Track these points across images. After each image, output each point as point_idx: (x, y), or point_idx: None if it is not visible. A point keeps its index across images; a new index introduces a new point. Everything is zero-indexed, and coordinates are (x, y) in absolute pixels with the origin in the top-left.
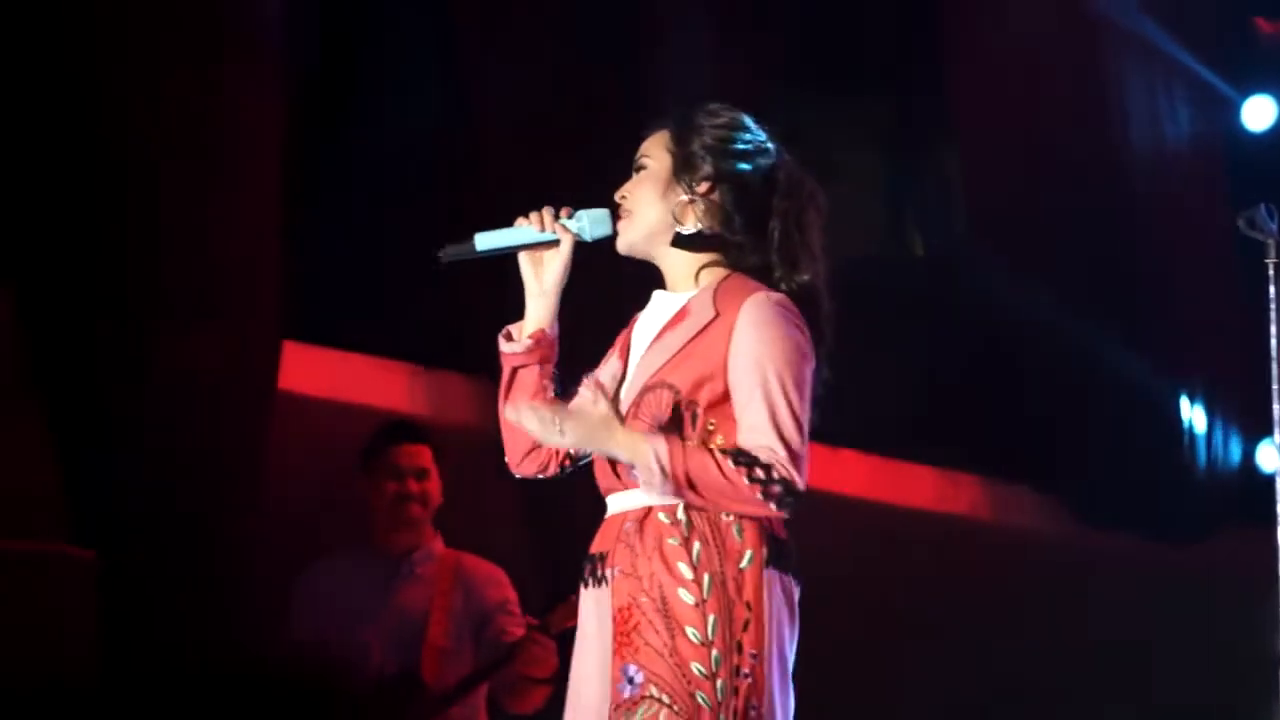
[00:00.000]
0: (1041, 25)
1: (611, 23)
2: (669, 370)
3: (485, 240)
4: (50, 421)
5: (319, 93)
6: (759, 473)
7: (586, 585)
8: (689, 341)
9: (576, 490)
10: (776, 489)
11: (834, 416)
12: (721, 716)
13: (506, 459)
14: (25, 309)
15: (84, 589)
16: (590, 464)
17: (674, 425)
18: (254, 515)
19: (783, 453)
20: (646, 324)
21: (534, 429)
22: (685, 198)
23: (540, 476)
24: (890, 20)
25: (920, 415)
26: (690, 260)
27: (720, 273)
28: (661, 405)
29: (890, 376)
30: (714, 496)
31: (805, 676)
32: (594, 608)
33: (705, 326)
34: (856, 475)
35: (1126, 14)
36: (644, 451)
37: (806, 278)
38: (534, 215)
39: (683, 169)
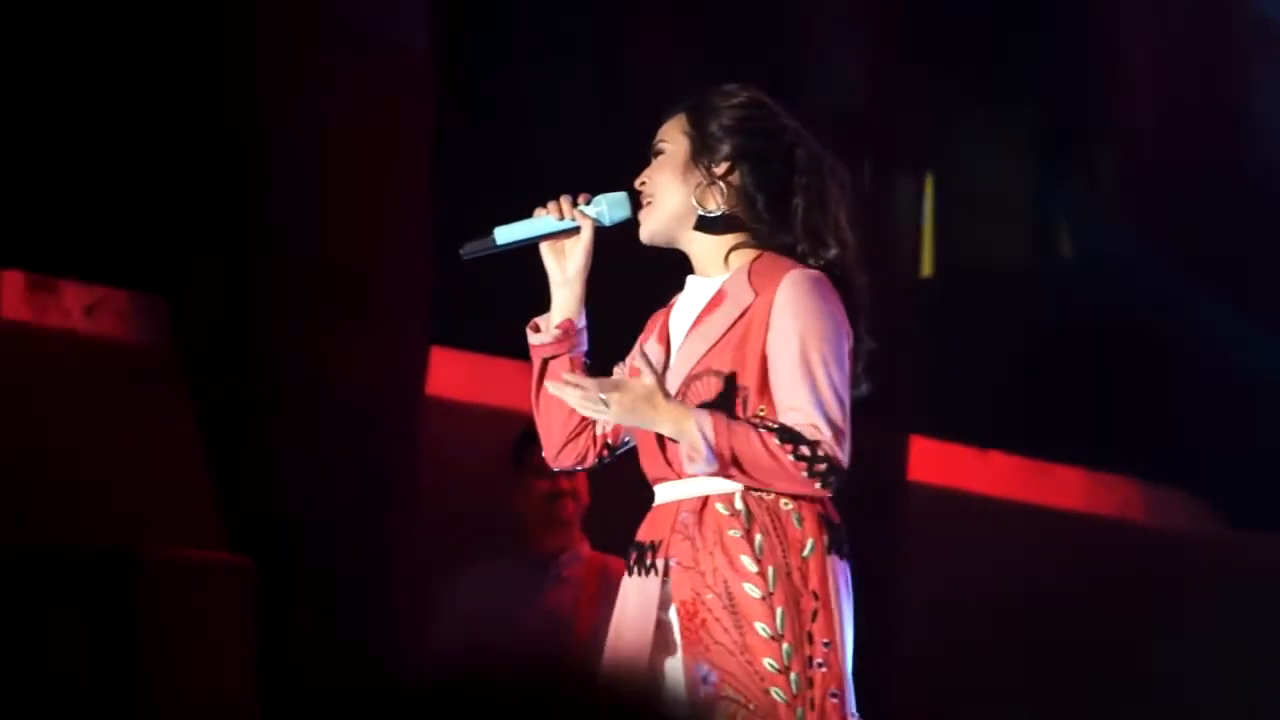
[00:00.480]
0: (1195, 25)
1: (759, 26)
2: (713, 357)
3: (505, 233)
4: (204, 430)
5: (466, 92)
6: (804, 450)
7: (632, 573)
8: (731, 326)
9: None
10: (821, 467)
11: (982, 417)
12: (799, 710)
13: (544, 452)
14: (178, 320)
15: (242, 596)
16: (632, 453)
17: (724, 412)
18: (406, 520)
19: (827, 432)
20: (684, 310)
21: (575, 401)
22: (705, 180)
23: (579, 467)
24: (1042, 22)
25: (1070, 416)
26: (718, 243)
27: (750, 253)
28: (710, 392)
29: (1040, 378)
30: (759, 474)
31: (955, 678)
32: (638, 596)
33: (745, 310)
34: (1005, 476)
35: None
36: (689, 426)
37: (834, 253)
38: (552, 204)
39: (701, 151)
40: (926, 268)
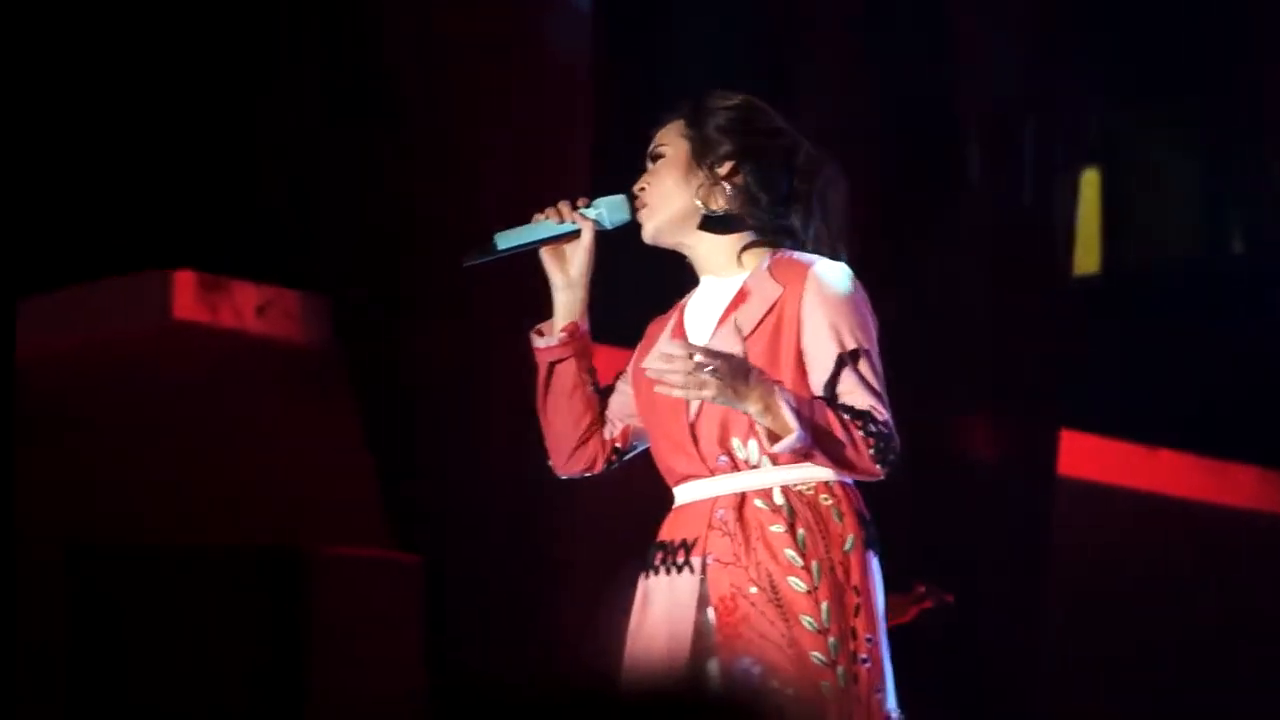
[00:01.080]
0: None
1: (928, 26)
2: (747, 352)
3: (506, 239)
4: (369, 429)
5: (626, 95)
6: (873, 428)
7: (657, 573)
8: (761, 320)
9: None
10: (884, 446)
11: (1152, 416)
12: (845, 705)
13: (551, 460)
14: (341, 320)
15: (410, 594)
16: (639, 459)
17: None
18: (570, 518)
19: (884, 414)
20: (703, 308)
21: (678, 377)
22: (709, 180)
23: (587, 474)
24: (1206, 21)
25: (1242, 413)
26: (728, 243)
27: (764, 251)
28: None
29: (1210, 375)
30: (832, 453)
31: (1128, 678)
32: (668, 595)
33: (774, 303)
34: (1175, 475)
35: None
36: (777, 402)
37: (839, 256)
38: (550, 209)
39: (702, 152)
40: (1094, 263)
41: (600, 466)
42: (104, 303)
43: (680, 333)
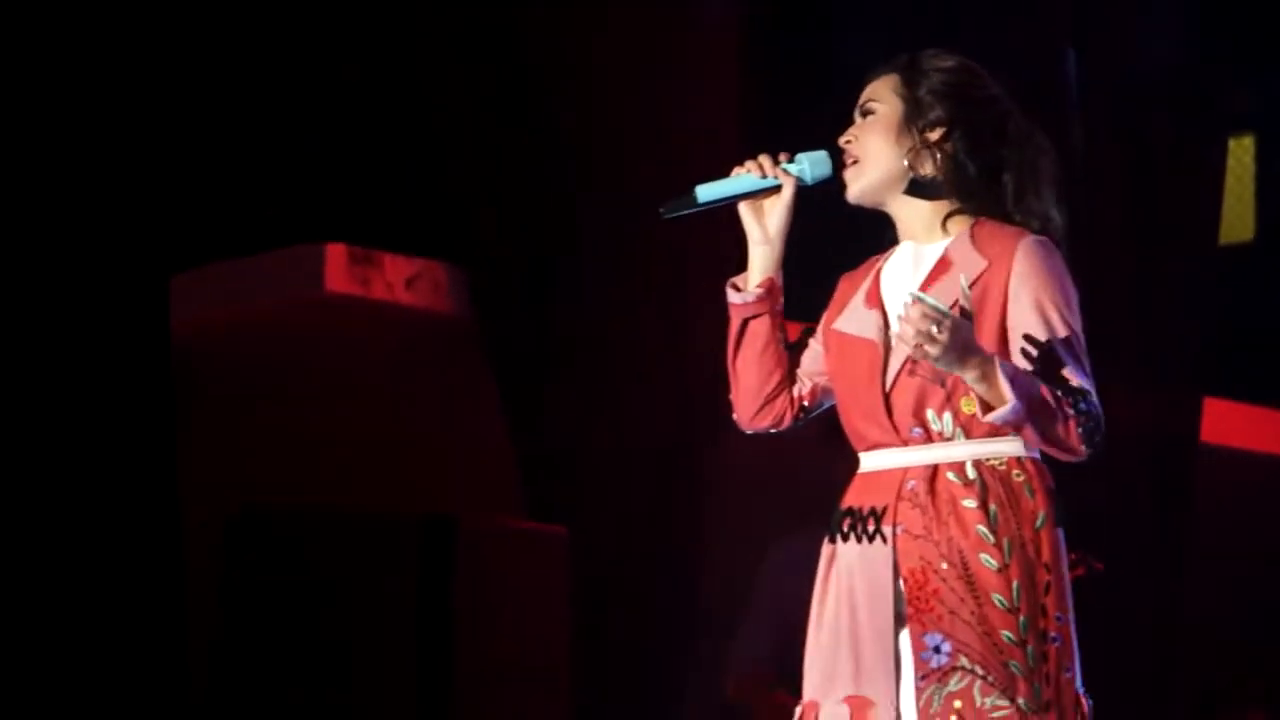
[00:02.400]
0: None
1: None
2: None
3: (707, 191)
4: (505, 401)
5: (775, 67)
6: (1084, 406)
7: (846, 539)
8: (968, 294)
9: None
10: (1092, 425)
11: None
12: (1035, 684)
13: (736, 414)
14: (480, 291)
15: (557, 564)
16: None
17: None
18: (712, 490)
19: (1092, 390)
20: (899, 274)
21: (911, 332)
22: (919, 144)
23: (773, 430)
24: None
25: None
26: (933, 209)
27: (968, 219)
28: None
29: None
30: (1044, 426)
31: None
32: (864, 563)
33: (979, 275)
34: None
35: None
36: (995, 371)
37: (1042, 227)
38: (751, 162)
39: (914, 114)
40: (1248, 230)
41: (787, 423)
42: (258, 276)
43: (876, 295)
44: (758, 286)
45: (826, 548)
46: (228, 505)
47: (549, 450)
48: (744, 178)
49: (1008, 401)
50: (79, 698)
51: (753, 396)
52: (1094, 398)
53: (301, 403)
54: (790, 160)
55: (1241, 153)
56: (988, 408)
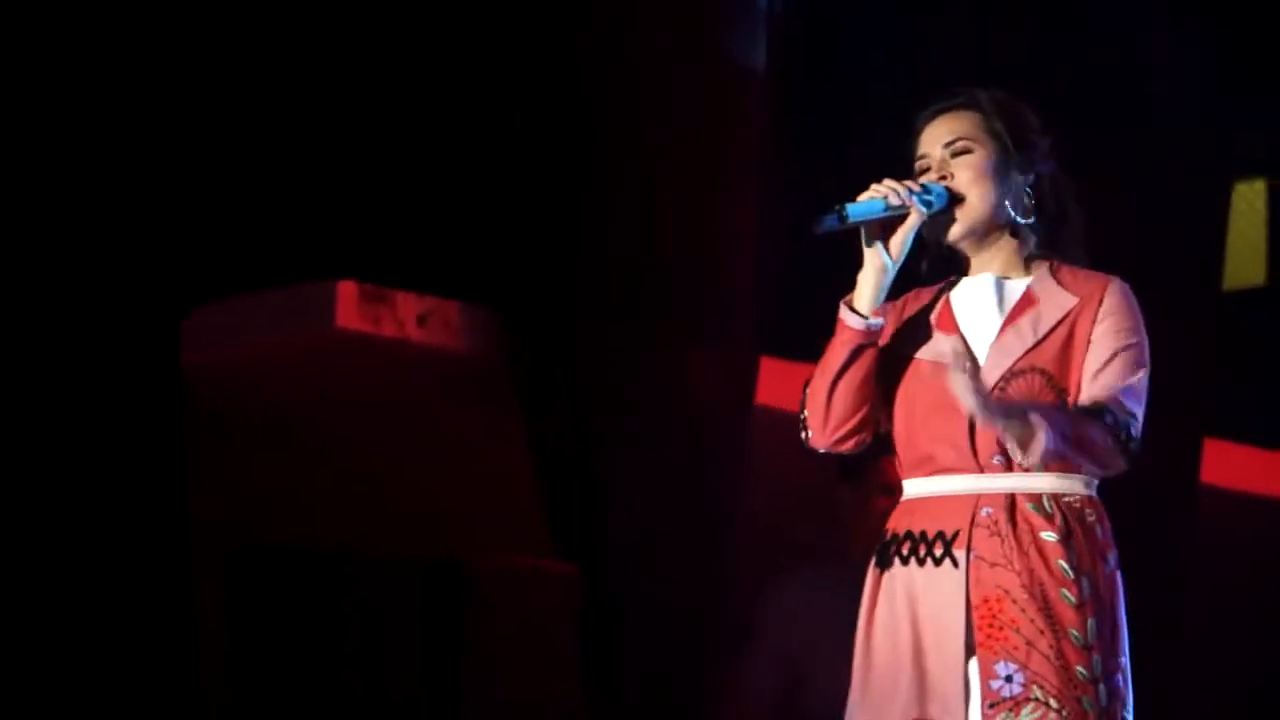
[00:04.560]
0: None
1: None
2: (1037, 355)
3: (855, 210)
4: (531, 437)
5: (798, 112)
6: (1109, 419)
7: (906, 563)
8: (1055, 327)
9: None
10: (1125, 436)
11: None
12: None
13: (814, 436)
14: (506, 327)
15: (567, 603)
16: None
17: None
18: (733, 531)
19: (1134, 405)
20: (978, 306)
21: (957, 360)
22: (1018, 185)
23: (851, 451)
24: None
25: None
26: (1016, 248)
27: (1045, 263)
28: (1034, 389)
29: None
30: (1077, 448)
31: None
32: (933, 588)
33: (1069, 313)
34: None
35: None
36: (1017, 408)
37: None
38: (886, 185)
39: (1009, 156)
40: (1260, 275)
41: (866, 441)
42: (269, 313)
43: (951, 322)
44: (876, 315)
45: (873, 574)
46: (236, 543)
47: (575, 491)
48: (878, 200)
49: (1041, 441)
50: None
51: (842, 421)
52: (1129, 412)
53: (311, 440)
54: (920, 189)
55: (1254, 196)
56: (1022, 446)
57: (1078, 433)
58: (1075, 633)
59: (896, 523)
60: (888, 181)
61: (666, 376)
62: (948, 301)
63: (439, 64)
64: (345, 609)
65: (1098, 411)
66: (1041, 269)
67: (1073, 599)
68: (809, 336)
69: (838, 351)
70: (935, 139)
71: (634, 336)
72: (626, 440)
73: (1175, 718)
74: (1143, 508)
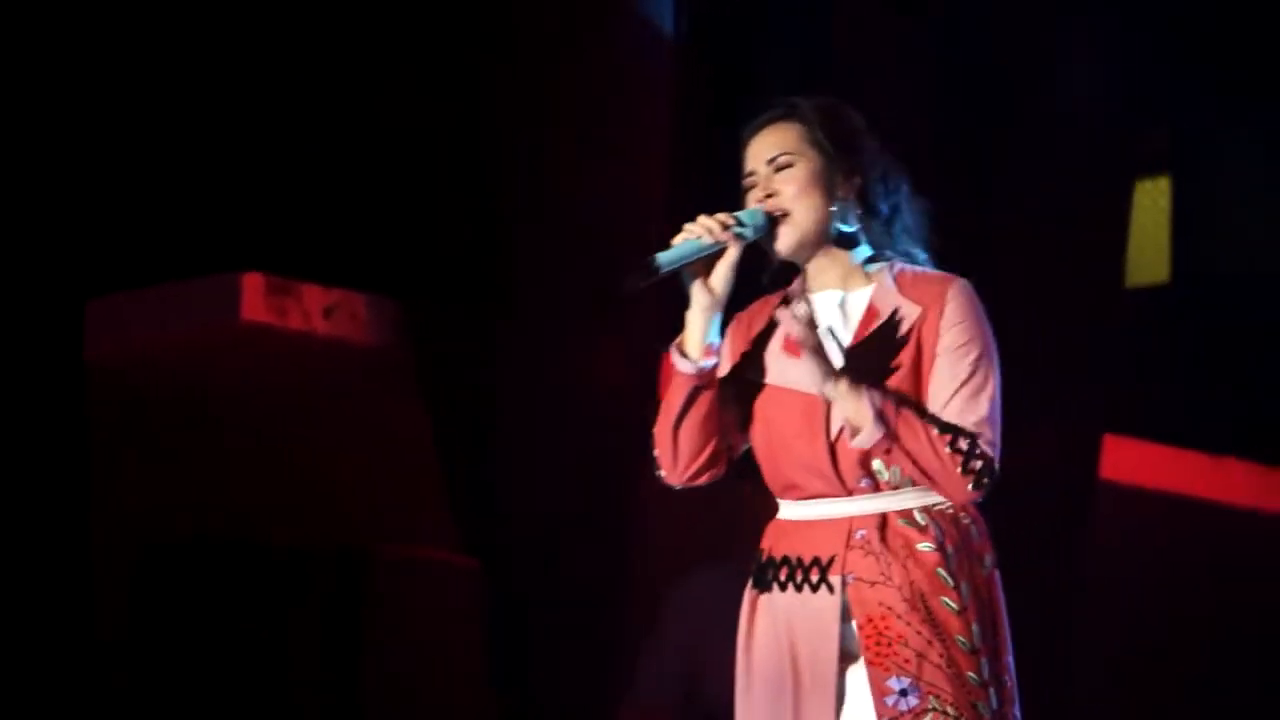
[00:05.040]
0: None
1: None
2: (890, 378)
3: (666, 257)
4: (437, 431)
5: (708, 86)
6: (962, 444)
7: (784, 589)
8: (902, 346)
9: None
10: (977, 464)
11: (1220, 424)
12: None
13: (667, 475)
14: (412, 321)
15: (470, 597)
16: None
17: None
18: (640, 523)
19: (988, 433)
20: (820, 320)
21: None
22: (843, 194)
23: (704, 484)
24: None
25: None
26: (850, 257)
27: (885, 267)
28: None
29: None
30: (916, 457)
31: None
32: (808, 612)
33: (913, 326)
34: (1238, 484)
35: None
36: (861, 398)
37: (936, 260)
38: (699, 224)
39: (833, 165)
40: (1163, 272)
41: (721, 471)
42: (173, 304)
43: (793, 345)
44: (709, 356)
45: (750, 594)
46: (140, 535)
47: (479, 483)
48: (692, 241)
49: (867, 422)
50: None
51: (690, 460)
52: (986, 440)
53: (216, 432)
54: (734, 222)
55: (1157, 194)
56: (854, 431)
57: (915, 439)
58: (961, 638)
59: (773, 544)
60: (701, 220)
61: (572, 368)
62: (750, 322)
63: (345, 53)
64: (246, 597)
65: (951, 431)
66: (882, 275)
67: (955, 605)
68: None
69: (675, 395)
70: (759, 155)
71: (539, 327)
72: (530, 433)
73: (1072, 714)
74: (1042, 502)
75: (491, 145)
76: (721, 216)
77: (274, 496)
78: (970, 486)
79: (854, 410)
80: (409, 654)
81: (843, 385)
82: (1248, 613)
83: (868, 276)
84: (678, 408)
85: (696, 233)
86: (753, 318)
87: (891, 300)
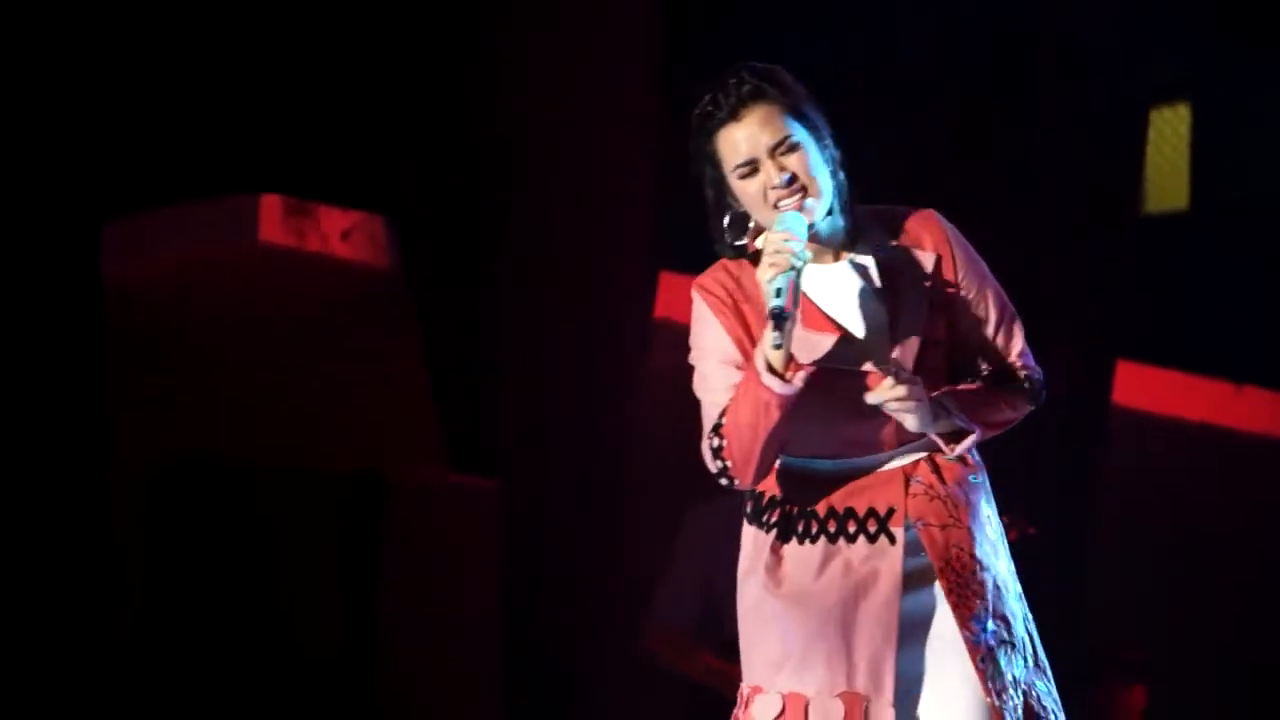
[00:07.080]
0: None
1: None
2: (929, 330)
3: (784, 302)
4: (432, 353)
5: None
6: (1025, 386)
7: (852, 540)
8: (929, 295)
9: None
10: (1041, 394)
11: (1239, 352)
12: (1036, 645)
13: (739, 478)
14: (406, 243)
15: (486, 519)
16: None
17: (950, 375)
18: (632, 443)
19: (1029, 355)
20: (842, 295)
21: (901, 403)
22: (835, 161)
23: None
24: None
25: None
26: (845, 219)
27: (854, 220)
28: (938, 363)
29: None
30: (1002, 422)
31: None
32: (868, 565)
33: (930, 274)
34: (1258, 412)
35: None
36: (954, 421)
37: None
38: (779, 257)
39: (820, 134)
40: (1182, 199)
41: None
42: (191, 225)
43: (823, 320)
44: (796, 373)
45: (773, 541)
46: (157, 454)
47: (477, 406)
48: (784, 274)
49: (971, 432)
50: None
51: (766, 465)
52: (1030, 364)
53: (233, 353)
54: (796, 239)
55: (1178, 121)
56: (950, 441)
57: (1004, 417)
58: (1009, 565)
59: (828, 499)
60: (778, 251)
61: (566, 295)
62: (805, 297)
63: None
64: (265, 519)
65: (1018, 385)
66: (869, 226)
67: (997, 534)
68: (707, 250)
69: (763, 415)
70: (756, 143)
71: (529, 259)
72: (523, 359)
73: (1084, 638)
74: (1055, 428)
75: (499, 95)
76: (778, 239)
77: (291, 418)
78: (1034, 408)
79: (951, 430)
80: (424, 575)
81: (941, 423)
82: (1267, 543)
83: (856, 232)
84: (767, 427)
85: (782, 265)
86: (734, 293)
87: (897, 255)
